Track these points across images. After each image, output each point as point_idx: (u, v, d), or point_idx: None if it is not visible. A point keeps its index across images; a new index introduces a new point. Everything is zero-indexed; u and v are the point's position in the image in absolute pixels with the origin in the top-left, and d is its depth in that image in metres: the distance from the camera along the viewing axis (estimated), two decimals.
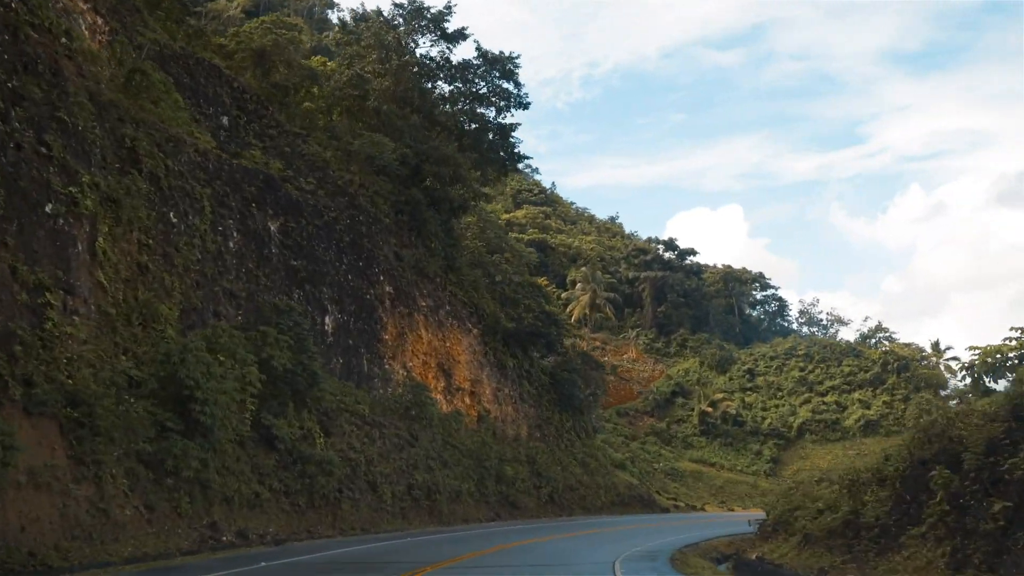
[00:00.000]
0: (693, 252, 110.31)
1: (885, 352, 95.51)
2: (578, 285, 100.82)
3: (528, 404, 53.96)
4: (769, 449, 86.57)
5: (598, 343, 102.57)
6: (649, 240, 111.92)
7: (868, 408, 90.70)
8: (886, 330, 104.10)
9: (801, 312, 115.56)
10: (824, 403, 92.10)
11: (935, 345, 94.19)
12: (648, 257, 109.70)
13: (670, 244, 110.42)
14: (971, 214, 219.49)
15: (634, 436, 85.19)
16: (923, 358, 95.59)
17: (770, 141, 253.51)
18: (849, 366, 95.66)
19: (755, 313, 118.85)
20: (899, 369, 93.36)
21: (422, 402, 38.46)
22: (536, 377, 56.66)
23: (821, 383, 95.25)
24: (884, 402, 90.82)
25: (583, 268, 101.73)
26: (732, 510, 70.35)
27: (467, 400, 45.84)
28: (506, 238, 71.63)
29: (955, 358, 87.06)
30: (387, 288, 39.20)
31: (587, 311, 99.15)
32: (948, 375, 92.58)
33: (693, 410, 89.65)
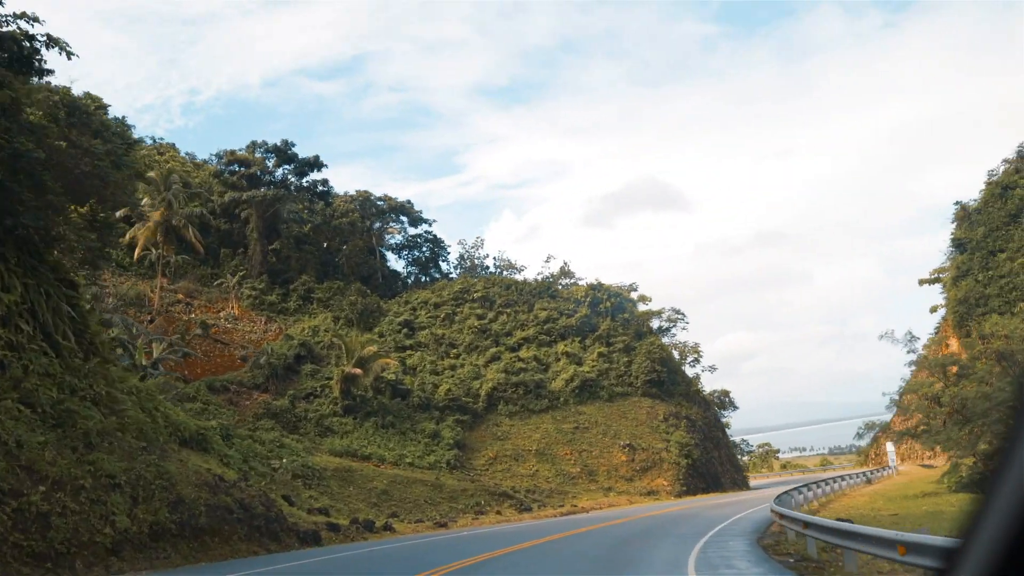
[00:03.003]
0: (319, 164, 78.72)
1: (592, 288, 72.44)
2: (144, 202, 63.08)
3: None
4: (450, 429, 57.66)
5: (181, 297, 66.57)
6: (253, 145, 77.64)
7: (580, 364, 66.23)
8: (572, 274, 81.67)
9: (462, 257, 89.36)
10: (520, 360, 65.87)
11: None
12: (253, 170, 75.74)
13: (284, 151, 77.38)
14: (562, 233, 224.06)
15: (240, 420, 50.87)
16: (636, 300, 74.37)
17: (372, 170, 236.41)
18: (545, 310, 70.96)
19: (402, 261, 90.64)
20: (613, 311, 70.70)
21: None
22: None
23: (510, 334, 69.13)
24: (601, 355, 67.05)
25: (151, 174, 64.25)
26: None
27: None
28: None
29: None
30: None
31: (159, 241, 62.51)
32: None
33: (332, 378, 57.60)
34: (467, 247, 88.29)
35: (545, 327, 69.46)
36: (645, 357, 64.96)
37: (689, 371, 75.95)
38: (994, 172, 65.33)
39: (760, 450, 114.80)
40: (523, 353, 66.68)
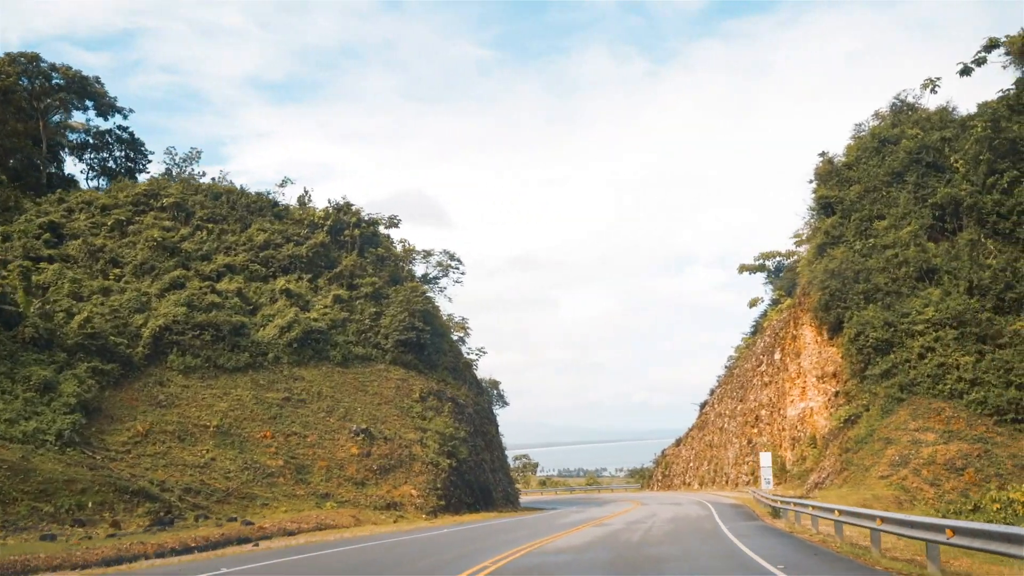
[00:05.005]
0: None
1: (336, 209, 52.28)
2: None
3: None
4: (78, 382, 35.51)
5: None
6: None
7: (306, 309, 46.22)
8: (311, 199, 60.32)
9: (170, 172, 64.69)
10: (215, 294, 44.81)
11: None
12: None
13: None
14: None
15: None
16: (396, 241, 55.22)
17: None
18: (265, 231, 50.24)
19: (82, 164, 65.31)
20: (363, 243, 51.21)
21: None
22: None
23: (208, 258, 47.78)
24: (338, 300, 47.33)
25: None
26: None
27: None
28: None
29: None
30: None
31: None
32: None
33: None
34: (176, 157, 64.20)
35: (262, 254, 48.50)
36: (401, 309, 45.90)
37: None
38: (861, 126, 53.76)
39: (517, 463, 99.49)
40: (223, 285, 45.32)
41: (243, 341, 42.28)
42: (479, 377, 62.96)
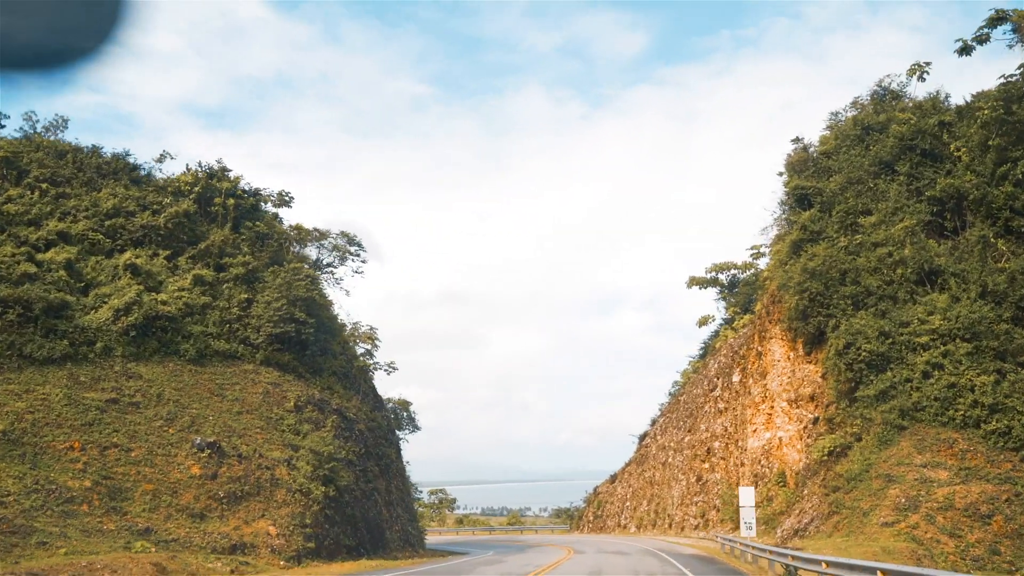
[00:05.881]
0: None
1: (208, 174, 42.74)
2: None
3: None
4: None
5: None
6: None
7: (157, 290, 36.83)
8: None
9: (28, 119, 53.73)
10: (34, 264, 35.18)
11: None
12: None
13: None
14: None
15: None
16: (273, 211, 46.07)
17: None
18: (116, 196, 40.77)
19: None
20: (239, 216, 42.11)
21: None
22: None
23: (37, 223, 38.28)
24: (199, 281, 38.03)
25: None
26: None
27: None
28: None
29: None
30: None
31: None
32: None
33: None
34: (36, 124, 53.23)
35: (108, 223, 38.74)
36: (279, 295, 36.54)
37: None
38: (838, 115, 46.71)
39: (433, 497, 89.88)
40: (50, 255, 35.49)
41: (63, 325, 32.48)
42: (387, 396, 53.57)
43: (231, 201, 40.69)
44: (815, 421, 36.19)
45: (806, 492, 34.09)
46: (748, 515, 29.61)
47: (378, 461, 38.45)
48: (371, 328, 50.29)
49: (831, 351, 34.21)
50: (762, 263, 58.62)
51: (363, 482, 34.47)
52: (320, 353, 38.33)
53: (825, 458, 32.89)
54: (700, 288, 60.71)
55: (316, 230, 45.02)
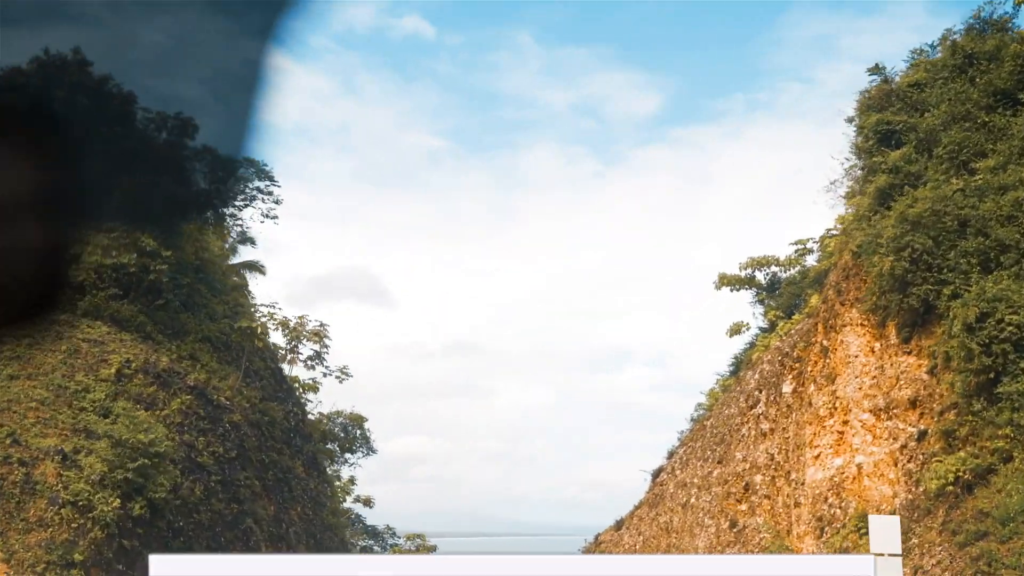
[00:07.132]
0: None
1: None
2: None
3: None
4: None
5: None
6: None
7: None
8: None
9: None
10: None
11: None
12: None
13: None
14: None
15: None
16: None
17: None
18: None
19: None
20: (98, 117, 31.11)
21: None
22: None
23: None
24: None
25: None
26: None
27: None
28: None
29: None
30: None
31: None
32: None
33: None
34: None
35: None
36: None
37: (289, 368, 36.80)
38: (921, 51, 36.22)
39: (410, 544, 78.46)
40: None
41: None
42: (335, 410, 42.41)
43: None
44: (921, 436, 24.96)
45: (915, 542, 22.78)
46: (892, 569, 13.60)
47: (262, 473, 26.89)
48: (321, 325, 38.77)
49: (951, 330, 23.20)
50: (810, 260, 47.92)
51: (225, 502, 23.19)
52: (185, 310, 27.30)
53: (949, 488, 21.69)
54: (732, 289, 49.63)
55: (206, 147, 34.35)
